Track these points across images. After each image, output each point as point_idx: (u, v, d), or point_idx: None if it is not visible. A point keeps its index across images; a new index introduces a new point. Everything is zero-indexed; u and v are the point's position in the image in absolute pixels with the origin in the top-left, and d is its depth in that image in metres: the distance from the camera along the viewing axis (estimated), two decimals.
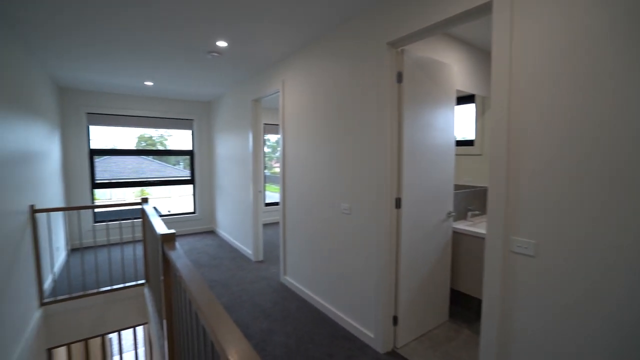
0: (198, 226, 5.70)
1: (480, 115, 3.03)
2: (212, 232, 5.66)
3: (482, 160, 3.01)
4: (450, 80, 2.39)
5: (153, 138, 7.89)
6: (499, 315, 1.47)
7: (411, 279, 2.22)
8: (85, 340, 3.33)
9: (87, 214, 4.67)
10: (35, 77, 3.22)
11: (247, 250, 4.28)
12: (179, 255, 1.55)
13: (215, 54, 3.02)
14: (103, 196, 9.63)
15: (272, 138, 6.75)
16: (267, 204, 6.32)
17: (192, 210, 5.76)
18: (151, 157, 8.63)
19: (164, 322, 1.88)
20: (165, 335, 1.84)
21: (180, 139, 5.92)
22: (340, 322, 2.55)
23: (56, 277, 3.50)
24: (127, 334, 6.76)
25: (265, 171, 6.39)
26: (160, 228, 2.13)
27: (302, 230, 3.03)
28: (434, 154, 2.29)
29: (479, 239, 2.46)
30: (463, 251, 2.59)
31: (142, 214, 3.36)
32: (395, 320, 2.18)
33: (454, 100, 2.43)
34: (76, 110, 4.48)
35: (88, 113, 4.58)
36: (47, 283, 3.16)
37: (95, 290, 3.01)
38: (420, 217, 2.24)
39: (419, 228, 2.24)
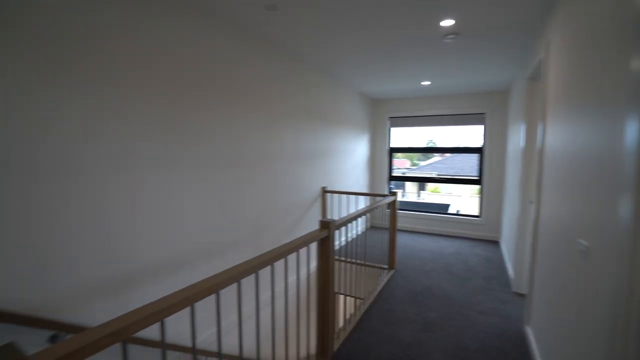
0: (479, 232, 5.09)
1: None
2: (494, 243, 4.83)
3: None
4: None
5: None
6: None
7: None
8: (345, 295, 4.24)
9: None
10: (347, 97, 4.51)
11: (512, 274, 3.34)
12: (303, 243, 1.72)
13: (452, 36, 2.64)
14: (444, 190, 11.10)
15: None
16: None
17: (477, 214, 5.26)
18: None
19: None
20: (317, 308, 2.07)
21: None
22: None
23: (341, 243, 4.72)
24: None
25: None
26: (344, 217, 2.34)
27: (547, 264, 1.97)
28: None
29: None
30: None
31: (392, 206, 3.69)
32: None
33: None
34: (382, 116, 5.59)
35: (390, 117, 5.55)
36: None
37: (350, 259, 3.77)
38: None
39: None
